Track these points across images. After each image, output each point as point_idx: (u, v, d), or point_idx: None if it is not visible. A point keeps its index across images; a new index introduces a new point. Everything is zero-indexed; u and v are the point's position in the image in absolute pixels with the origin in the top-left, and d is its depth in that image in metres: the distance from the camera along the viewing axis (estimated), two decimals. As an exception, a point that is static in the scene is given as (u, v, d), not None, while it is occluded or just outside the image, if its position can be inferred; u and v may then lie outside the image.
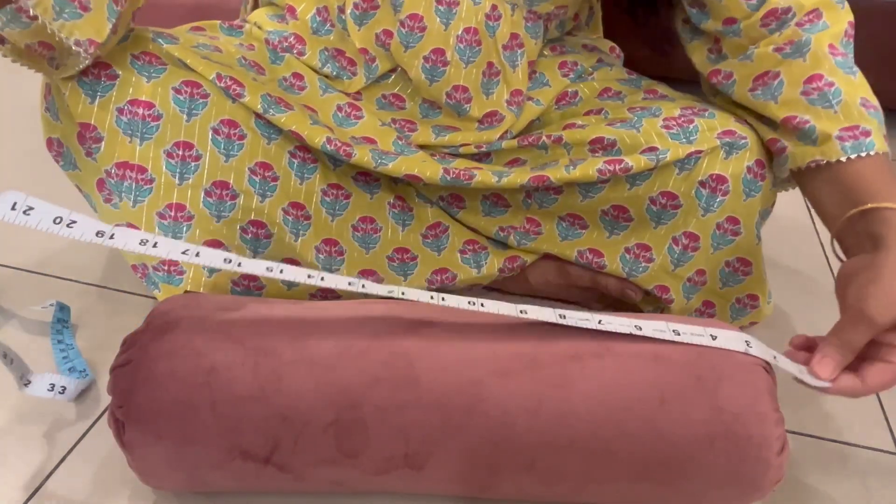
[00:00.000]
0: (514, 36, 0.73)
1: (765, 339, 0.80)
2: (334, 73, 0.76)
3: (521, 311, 0.54)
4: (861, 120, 0.63)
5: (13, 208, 0.50)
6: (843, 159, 0.62)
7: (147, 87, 0.65)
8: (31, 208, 0.50)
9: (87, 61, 0.60)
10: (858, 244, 0.60)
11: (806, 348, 0.58)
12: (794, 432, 0.69)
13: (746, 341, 0.55)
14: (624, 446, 0.52)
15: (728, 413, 0.52)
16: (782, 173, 0.69)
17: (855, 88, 0.64)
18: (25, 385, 0.61)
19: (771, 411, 0.53)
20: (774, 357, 0.55)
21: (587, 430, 0.52)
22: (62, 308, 0.74)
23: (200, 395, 0.50)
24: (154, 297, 0.73)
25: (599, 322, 0.54)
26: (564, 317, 0.54)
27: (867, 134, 0.62)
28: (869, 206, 0.59)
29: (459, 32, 0.71)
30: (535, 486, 0.54)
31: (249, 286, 0.70)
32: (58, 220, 0.51)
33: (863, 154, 0.61)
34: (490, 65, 0.73)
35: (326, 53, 0.76)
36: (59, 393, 0.63)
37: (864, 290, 0.55)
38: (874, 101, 0.64)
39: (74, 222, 0.51)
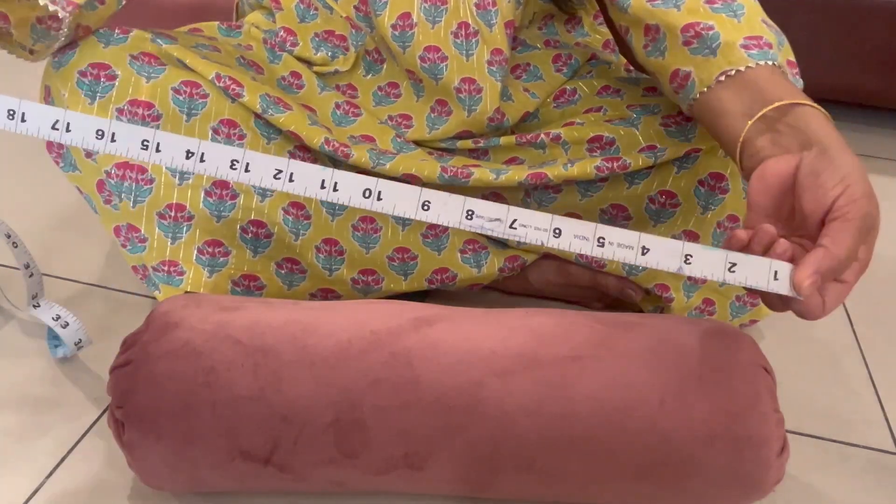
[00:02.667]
0: None
1: (766, 339, 0.81)
2: (330, 55, 0.77)
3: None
4: (763, 32, 0.58)
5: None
6: (752, 65, 0.56)
7: (146, 87, 0.64)
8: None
9: (63, 34, 0.59)
10: (776, 143, 0.53)
11: (746, 246, 0.50)
12: (793, 432, 0.69)
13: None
14: (624, 446, 0.52)
15: (728, 413, 0.52)
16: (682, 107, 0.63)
17: (755, 12, 0.60)
18: (34, 307, 0.65)
19: (771, 411, 0.53)
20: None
21: (587, 430, 0.52)
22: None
23: (200, 395, 0.50)
24: (154, 298, 0.73)
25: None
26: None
27: (770, 46, 0.57)
28: (786, 101, 0.53)
29: None
30: (536, 487, 0.54)
31: (250, 286, 0.70)
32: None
33: (770, 62, 0.56)
34: (465, 25, 0.73)
35: (317, 39, 0.76)
36: (62, 327, 0.66)
37: (846, 189, 0.48)
38: (774, 29, 0.60)
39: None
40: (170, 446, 0.51)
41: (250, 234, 0.68)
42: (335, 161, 0.70)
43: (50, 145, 0.69)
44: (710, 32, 0.58)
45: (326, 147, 0.67)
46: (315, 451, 0.51)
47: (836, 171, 0.48)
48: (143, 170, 0.65)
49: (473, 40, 0.73)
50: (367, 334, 0.54)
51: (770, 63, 0.56)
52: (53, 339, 0.68)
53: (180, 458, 0.51)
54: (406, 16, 0.71)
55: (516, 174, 0.69)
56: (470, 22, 0.73)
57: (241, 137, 0.67)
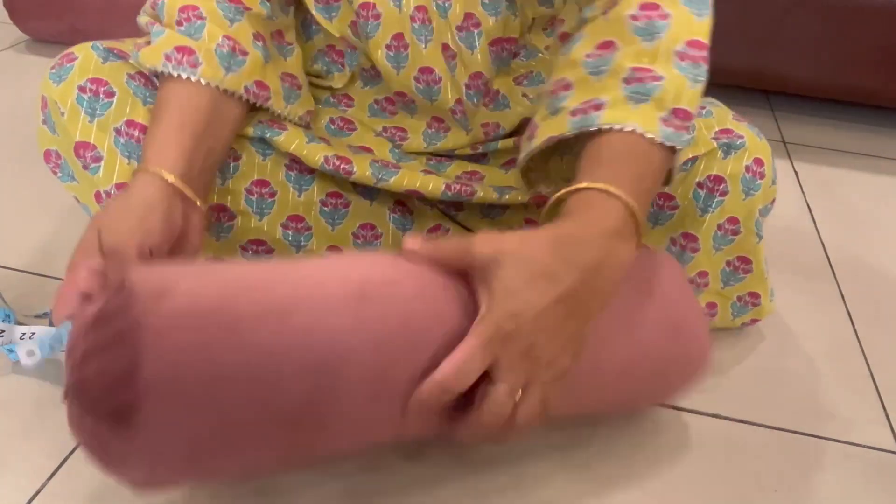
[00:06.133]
0: (468, 16, 0.69)
1: (767, 339, 0.81)
2: (325, 69, 0.76)
3: None
4: (604, 92, 0.55)
5: None
6: (568, 134, 0.55)
7: (143, 108, 0.65)
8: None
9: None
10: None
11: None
12: (795, 432, 0.69)
13: None
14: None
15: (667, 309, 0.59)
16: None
17: (636, 56, 0.55)
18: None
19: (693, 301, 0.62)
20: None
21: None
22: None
23: (224, 359, 0.44)
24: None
25: None
26: None
27: (598, 107, 0.54)
28: (573, 187, 0.52)
29: (412, 12, 0.68)
30: None
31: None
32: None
33: (584, 130, 0.54)
34: (445, 47, 0.70)
35: (316, 51, 0.76)
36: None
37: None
38: (658, 69, 0.54)
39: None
40: (195, 420, 0.44)
41: (251, 252, 0.68)
42: (336, 179, 0.70)
43: (48, 155, 0.68)
44: (558, 95, 0.58)
45: (327, 166, 0.67)
46: (350, 403, 0.48)
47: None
48: None
49: (453, 62, 0.71)
50: (379, 279, 0.50)
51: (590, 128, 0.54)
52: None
53: (211, 434, 0.44)
54: (399, 36, 0.69)
55: (520, 195, 0.68)
56: (450, 43, 0.70)
57: (237, 158, 0.68)
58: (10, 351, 0.67)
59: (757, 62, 1.32)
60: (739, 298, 0.75)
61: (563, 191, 0.53)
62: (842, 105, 1.42)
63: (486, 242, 0.48)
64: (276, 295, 0.47)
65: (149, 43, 0.63)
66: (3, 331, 0.66)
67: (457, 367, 0.46)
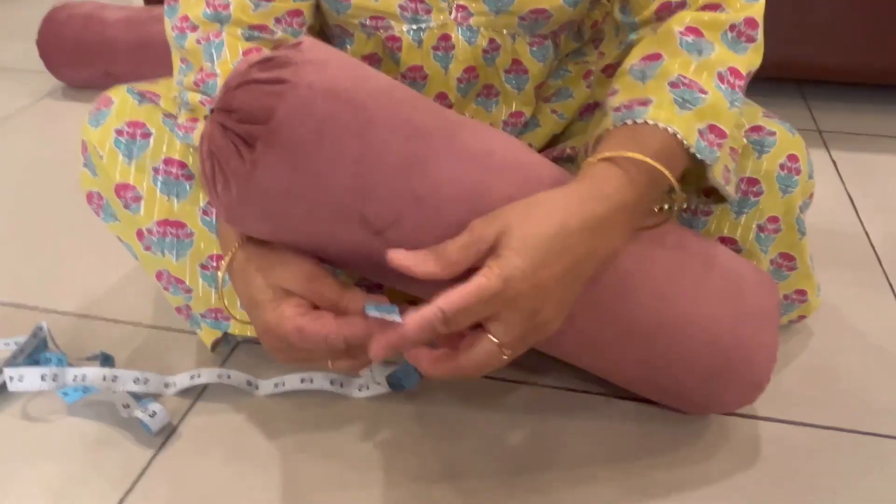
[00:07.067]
0: (516, 62, 0.70)
1: (816, 336, 0.79)
2: None
3: None
4: (650, 92, 0.56)
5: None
6: (610, 128, 0.56)
7: (179, 146, 0.66)
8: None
9: None
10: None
11: None
12: (852, 431, 0.67)
13: None
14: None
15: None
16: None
17: (682, 66, 0.57)
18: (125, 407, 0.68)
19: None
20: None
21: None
22: (106, 358, 0.75)
23: (350, 144, 0.47)
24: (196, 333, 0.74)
25: None
26: None
27: (645, 104, 0.56)
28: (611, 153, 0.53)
29: (459, 74, 0.69)
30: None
31: None
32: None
33: (629, 122, 0.55)
34: (489, 87, 0.71)
35: None
36: (150, 416, 0.67)
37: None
38: (702, 83, 0.57)
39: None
40: (298, 180, 0.47)
41: None
42: None
43: (90, 197, 0.70)
44: (608, 98, 0.61)
45: None
46: (430, 239, 0.50)
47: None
48: (181, 225, 0.67)
49: (494, 99, 0.72)
50: (514, 147, 0.54)
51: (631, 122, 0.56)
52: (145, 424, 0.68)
53: (301, 196, 0.48)
54: (443, 96, 0.70)
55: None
56: (496, 84, 0.71)
57: None
58: (65, 394, 0.68)
59: (785, 51, 1.29)
60: (786, 297, 0.74)
61: (600, 155, 0.54)
62: (876, 89, 1.39)
63: (485, 224, 0.49)
64: (414, 124, 0.50)
65: (195, 119, 0.62)
66: (57, 374, 0.68)
67: (464, 304, 0.46)
